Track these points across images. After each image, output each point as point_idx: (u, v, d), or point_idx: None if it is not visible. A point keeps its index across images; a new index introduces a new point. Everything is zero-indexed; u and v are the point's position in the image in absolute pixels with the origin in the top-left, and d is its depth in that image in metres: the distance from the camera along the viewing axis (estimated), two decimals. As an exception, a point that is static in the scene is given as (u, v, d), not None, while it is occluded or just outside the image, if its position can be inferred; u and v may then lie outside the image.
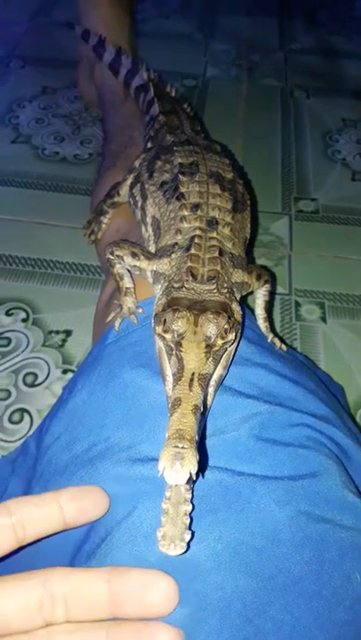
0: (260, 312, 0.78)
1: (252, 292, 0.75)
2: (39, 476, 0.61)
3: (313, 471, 0.55)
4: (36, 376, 0.99)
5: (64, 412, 0.64)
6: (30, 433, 0.93)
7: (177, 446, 0.42)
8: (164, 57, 1.65)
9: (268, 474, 0.54)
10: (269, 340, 0.76)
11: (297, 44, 1.92)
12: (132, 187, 0.86)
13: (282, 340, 0.78)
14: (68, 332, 1.05)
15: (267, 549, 0.50)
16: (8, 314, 1.08)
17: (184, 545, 0.43)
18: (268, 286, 0.76)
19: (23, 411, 0.96)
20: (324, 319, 1.11)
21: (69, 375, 0.98)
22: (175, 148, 0.80)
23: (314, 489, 0.53)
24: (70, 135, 1.47)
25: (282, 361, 0.69)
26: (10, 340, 1.04)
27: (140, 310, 0.70)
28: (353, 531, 0.52)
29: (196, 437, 0.43)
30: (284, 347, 0.77)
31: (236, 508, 0.51)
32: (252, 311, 0.78)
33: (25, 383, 0.98)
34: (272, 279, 0.80)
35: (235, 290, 0.65)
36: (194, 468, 0.41)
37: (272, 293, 0.80)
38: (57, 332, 1.05)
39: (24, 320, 1.07)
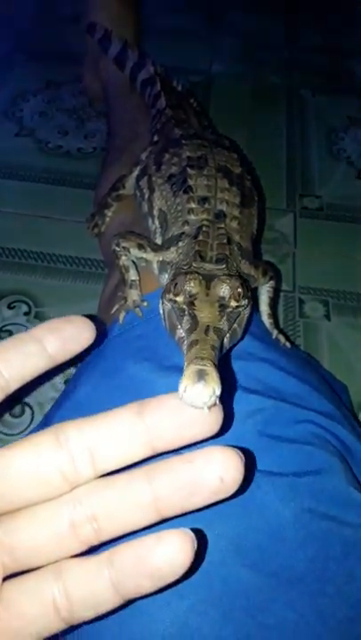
0: (264, 308, 0.77)
1: (256, 288, 0.75)
2: None
3: (317, 468, 0.54)
4: (37, 369, 0.98)
5: (69, 405, 0.64)
6: (31, 426, 0.93)
7: (199, 364, 0.37)
8: (169, 52, 1.64)
9: (272, 470, 0.53)
10: (274, 337, 0.76)
11: (303, 41, 1.91)
12: (138, 179, 0.86)
13: (286, 337, 0.78)
14: (70, 326, 1.05)
15: (271, 546, 0.50)
16: (10, 307, 1.07)
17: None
18: (273, 282, 0.75)
19: (24, 404, 0.95)
20: (327, 317, 1.10)
21: (71, 369, 0.97)
22: (183, 142, 0.79)
23: (318, 486, 0.53)
24: (74, 129, 1.46)
25: (286, 357, 0.68)
26: (11, 334, 1.03)
27: (145, 303, 0.70)
28: (357, 528, 0.52)
29: (217, 364, 0.38)
30: (288, 343, 0.77)
31: (240, 504, 0.50)
32: (257, 307, 0.78)
33: (26, 377, 0.98)
34: (278, 276, 0.80)
35: (243, 277, 0.64)
36: (218, 388, 0.34)
37: (277, 290, 0.79)
38: (59, 326, 1.05)
39: (26, 313, 1.06)
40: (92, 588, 0.30)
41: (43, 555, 0.31)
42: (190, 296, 0.51)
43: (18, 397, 0.96)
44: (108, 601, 0.30)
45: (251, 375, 0.60)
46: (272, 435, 0.56)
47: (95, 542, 0.31)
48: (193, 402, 0.32)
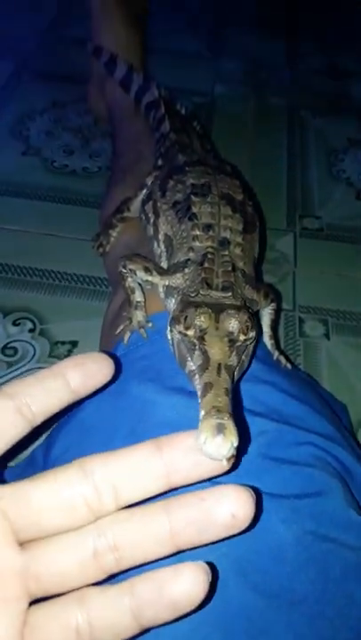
0: (266, 330, 0.79)
1: (258, 311, 0.76)
2: None
3: (318, 490, 0.55)
4: (41, 386, 1.00)
5: (72, 425, 0.65)
6: (36, 444, 0.94)
7: (217, 417, 0.38)
8: (172, 74, 1.68)
9: (274, 492, 0.54)
10: (275, 358, 0.77)
11: (304, 64, 1.95)
12: (144, 203, 0.88)
13: (287, 358, 0.79)
14: (74, 343, 1.06)
15: (272, 568, 0.50)
16: (15, 324, 1.09)
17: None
18: (274, 305, 0.77)
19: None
20: (327, 336, 1.12)
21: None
22: (187, 169, 0.81)
23: (319, 508, 0.54)
24: (80, 148, 1.49)
25: (288, 379, 0.70)
26: (16, 350, 1.04)
27: (150, 324, 0.71)
28: (357, 550, 0.53)
29: (232, 414, 0.41)
30: (289, 364, 0.78)
31: (243, 526, 0.52)
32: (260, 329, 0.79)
33: (30, 393, 0.99)
34: (279, 298, 0.81)
35: (247, 303, 0.66)
36: (236, 440, 0.36)
37: (278, 312, 0.81)
38: (63, 343, 1.06)
39: (31, 330, 1.08)
40: (113, 616, 0.32)
41: (67, 581, 0.32)
42: (201, 330, 0.53)
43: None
44: (128, 628, 0.32)
45: (254, 397, 0.62)
46: (274, 457, 0.57)
47: (115, 571, 0.33)
48: (212, 455, 0.34)
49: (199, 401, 0.43)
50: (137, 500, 0.34)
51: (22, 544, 0.33)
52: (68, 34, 1.89)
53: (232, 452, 0.35)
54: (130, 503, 0.34)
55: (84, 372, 0.37)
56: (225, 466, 0.35)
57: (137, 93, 1.27)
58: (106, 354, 0.39)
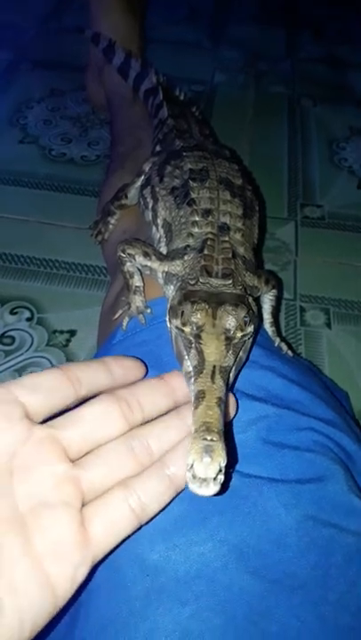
0: (266, 316, 0.78)
1: (259, 297, 0.75)
2: None
3: (320, 475, 0.55)
4: (39, 375, 0.99)
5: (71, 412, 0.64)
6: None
7: (205, 439, 0.41)
8: (172, 63, 1.66)
9: (275, 477, 0.54)
10: (276, 345, 0.76)
11: (304, 52, 1.93)
12: (142, 188, 0.86)
13: (288, 345, 0.78)
14: (72, 332, 1.05)
15: (273, 553, 0.50)
16: (12, 312, 1.08)
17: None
18: (275, 291, 0.76)
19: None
20: (328, 325, 1.11)
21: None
22: (185, 154, 0.80)
23: (320, 493, 0.53)
24: (78, 137, 1.48)
25: (289, 365, 0.68)
26: (14, 339, 1.03)
27: (149, 310, 0.70)
28: (359, 536, 0.52)
29: (222, 428, 0.43)
30: (290, 352, 0.77)
31: (243, 511, 0.51)
32: (260, 316, 0.78)
33: (28, 382, 0.98)
34: (280, 285, 0.80)
35: (247, 290, 0.65)
36: (223, 461, 0.40)
37: (279, 299, 0.80)
38: (61, 332, 1.05)
39: (28, 319, 1.07)
40: (154, 486, 0.43)
41: (111, 477, 0.43)
42: (197, 328, 0.52)
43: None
44: (166, 493, 0.44)
45: (254, 383, 0.61)
46: (275, 442, 0.56)
47: (148, 464, 0.45)
48: (200, 476, 0.39)
49: (192, 408, 0.45)
50: (156, 414, 0.48)
51: (73, 461, 0.43)
52: (67, 22, 1.87)
53: (219, 472, 0.40)
54: (152, 417, 0.47)
55: (124, 367, 0.49)
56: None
57: (135, 80, 1.26)
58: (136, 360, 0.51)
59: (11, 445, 0.41)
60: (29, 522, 0.39)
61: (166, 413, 0.48)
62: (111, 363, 0.48)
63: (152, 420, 0.47)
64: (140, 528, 0.43)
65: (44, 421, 0.44)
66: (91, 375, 0.46)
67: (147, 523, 0.44)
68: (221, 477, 0.40)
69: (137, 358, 0.52)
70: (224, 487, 0.41)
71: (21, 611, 0.36)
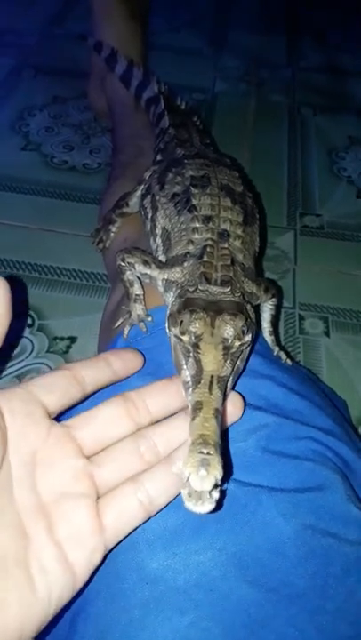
0: (266, 325, 0.78)
1: (258, 305, 0.76)
2: None
3: (318, 484, 0.55)
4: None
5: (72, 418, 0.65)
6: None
7: (202, 452, 0.41)
8: (173, 70, 1.68)
9: (274, 486, 0.54)
10: (275, 354, 0.77)
11: (304, 61, 1.95)
12: (142, 198, 0.87)
13: (287, 354, 0.79)
14: (72, 339, 1.06)
15: (271, 562, 0.50)
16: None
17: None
18: (274, 300, 0.77)
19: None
20: (327, 333, 1.11)
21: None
22: (186, 161, 0.81)
23: (319, 502, 0.54)
24: (80, 144, 1.48)
25: (288, 374, 0.69)
26: (15, 345, 1.04)
27: (150, 318, 0.71)
28: (357, 545, 0.52)
29: (219, 441, 0.43)
30: (289, 360, 0.77)
31: (242, 520, 0.51)
32: (259, 324, 0.79)
33: (28, 388, 0.98)
34: (280, 293, 0.81)
35: (246, 297, 0.66)
36: (219, 474, 0.41)
37: (278, 307, 0.80)
38: (62, 339, 1.06)
39: (29, 326, 1.07)
40: (162, 480, 0.46)
41: (122, 474, 0.47)
42: (195, 337, 0.53)
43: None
44: (176, 488, 0.46)
45: (254, 391, 0.61)
46: (274, 450, 0.57)
47: (155, 462, 0.48)
48: (196, 488, 0.40)
49: (189, 419, 0.46)
50: (164, 416, 0.51)
51: (88, 457, 0.47)
52: (70, 28, 1.88)
53: (215, 485, 0.40)
54: (159, 418, 0.51)
55: (124, 361, 0.54)
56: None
57: (137, 89, 1.27)
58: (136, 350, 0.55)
59: (34, 442, 0.44)
60: (52, 511, 0.43)
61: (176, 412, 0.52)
62: (110, 357, 0.53)
63: (161, 419, 0.51)
64: (148, 519, 0.47)
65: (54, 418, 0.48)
66: (94, 373, 0.51)
67: (155, 514, 0.47)
68: (217, 494, 0.41)
69: (134, 349, 0.57)
70: (219, 504, 0.42)
71: (50, 589, 0.41)
